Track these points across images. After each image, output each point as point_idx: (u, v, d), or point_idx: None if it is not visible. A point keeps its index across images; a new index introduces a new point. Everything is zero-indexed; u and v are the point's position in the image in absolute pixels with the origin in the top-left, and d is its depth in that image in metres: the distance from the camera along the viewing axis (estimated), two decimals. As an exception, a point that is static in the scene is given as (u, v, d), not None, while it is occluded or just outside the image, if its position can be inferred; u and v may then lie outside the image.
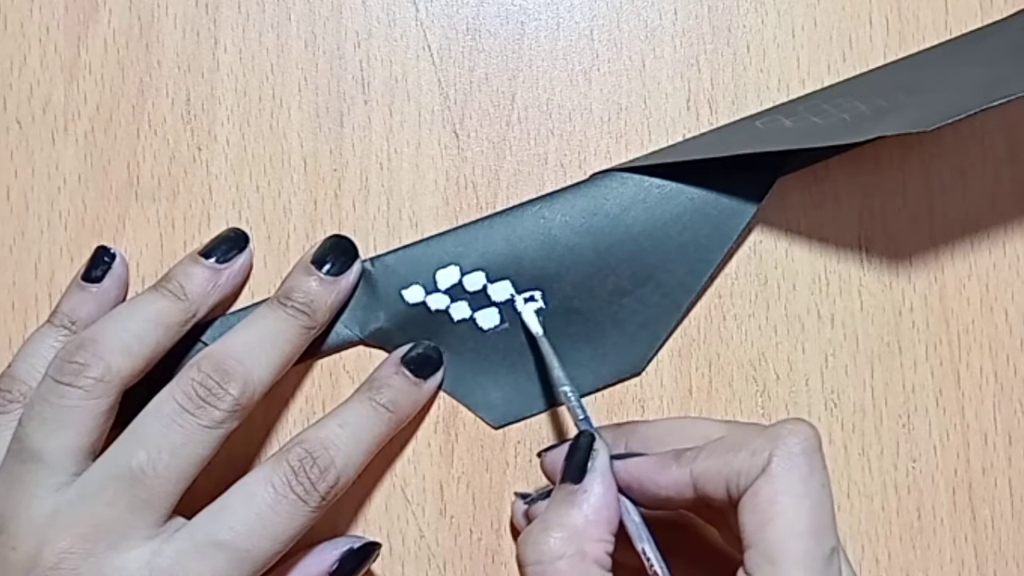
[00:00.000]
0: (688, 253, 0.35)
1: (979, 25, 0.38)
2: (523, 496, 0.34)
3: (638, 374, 0.36)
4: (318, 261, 0.34)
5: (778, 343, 0.36)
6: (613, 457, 0.30)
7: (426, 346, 0.35)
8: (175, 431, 0.30)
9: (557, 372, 0.32)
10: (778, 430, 0.27)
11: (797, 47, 0.38)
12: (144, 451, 0.29)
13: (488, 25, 0.38)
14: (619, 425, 0.32)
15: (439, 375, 0.35)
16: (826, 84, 0.37)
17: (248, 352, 0.31)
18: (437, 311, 0.35)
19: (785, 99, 0.37)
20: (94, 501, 0.29)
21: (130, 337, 0.31)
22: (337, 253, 0.34)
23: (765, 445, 0.27)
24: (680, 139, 0.37)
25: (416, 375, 0.34)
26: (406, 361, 0.34)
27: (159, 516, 0.29)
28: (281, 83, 0.37)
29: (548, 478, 0.33)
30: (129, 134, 0.36)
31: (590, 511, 0.28)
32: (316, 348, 0.35)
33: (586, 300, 0.35)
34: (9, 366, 0.33)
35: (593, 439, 0.30)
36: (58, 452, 0.30)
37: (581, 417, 0.31)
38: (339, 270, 0.34)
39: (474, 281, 0.35)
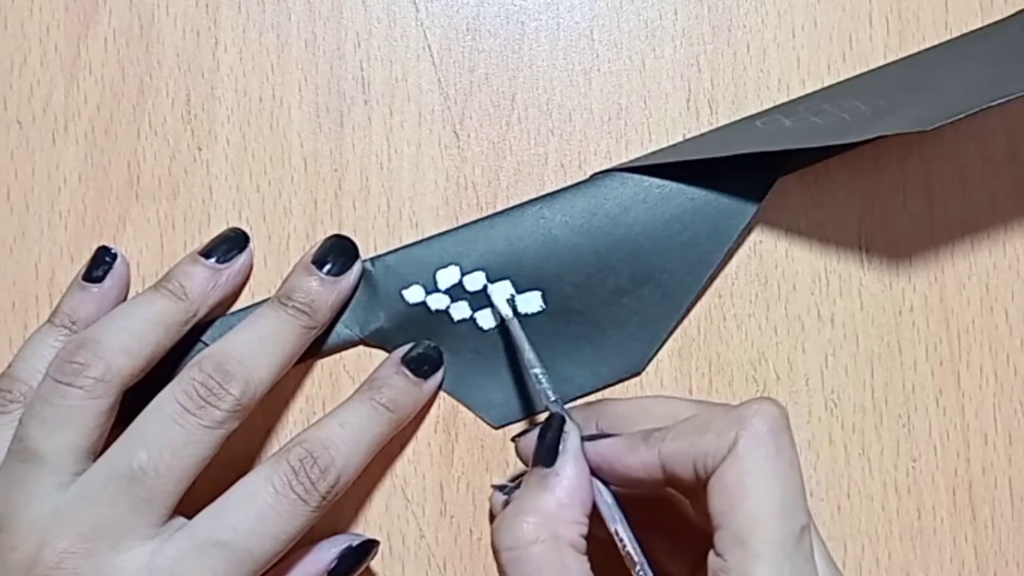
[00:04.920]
0: (688, 253, 0.35)
1: (979, 25, 0.38)
2: (501, 488, 0.34)
3: (638, 374, 0.36)
4: (319, 261, 0.34)
5: (778, 343, 0.36)
6: (584, 439, 0.30)
7: (426, 346, 0.35)
8: (176, 431, 0.30)
9: (528, 354, 0.32)
10: (743, 411, 0.27)
11: (797, 47, 0.38)
12: (145, 451, 0.29)
13: (488, 25, 0.38)
14: (589, 405, 0.32)
15: (439, 375, 0.35)
16: (826, 84, 0.37)
17: (249, 352, 0.31)
18: (437, 311, 0.35)
19: (785, 99, 0.37)
20: (95, 501, 0.29)
21: (130, 337, 0.31)
22: (338, 253, 0.34)
23: (731, 426, 0.27)
24: (680, 139, 0.37)
25: (416, 375, 0.34)
26: (406, 361, 0.34)
27: (160, 516, 0.29)
28: (281, 83, 0.37)
29: (523, 463, 0.33)
30: (129, 134, 0.36)
31: (563, 494, 0.28)
32: (316, 348, 0.35)
33: (586, 300, 0.35)
34: (9, 366, 0.33)
35: (564, 421, 0.30)
36: (59, 452, 0.30)
37: (552, 399, 0.31)
38: (340, 270, 0.34)
39: (474, 281, 0.35)
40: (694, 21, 0.38)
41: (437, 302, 0.35)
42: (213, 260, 0.34)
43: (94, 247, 0.35)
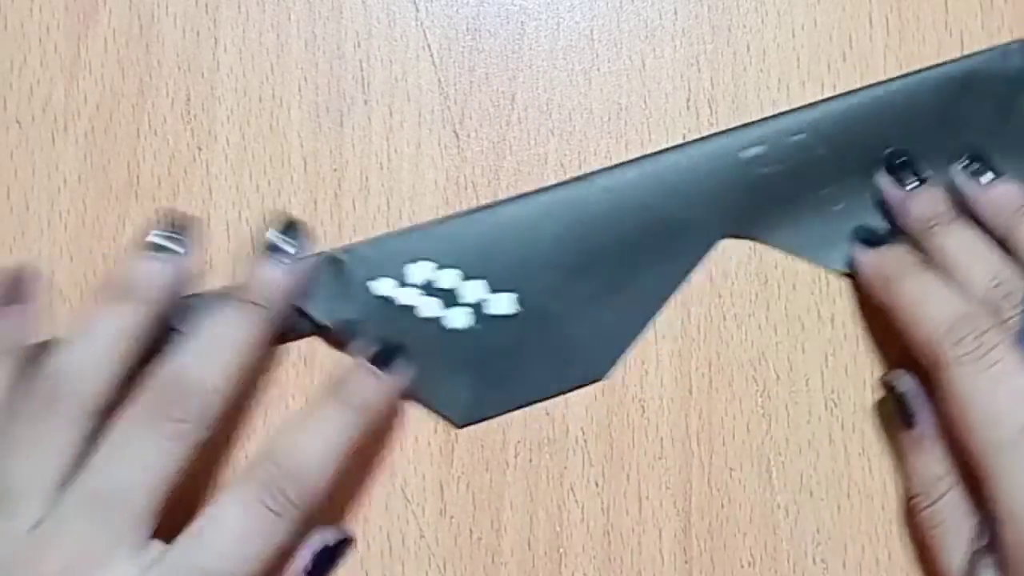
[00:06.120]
0: (663, 263, 0.36)
1: (979, 25, 0.38)
2: None
3: (599, 379, 0.36)
4: (268, 247, 0.33)
5: (778, 343, 0.36)
6: None
7: (386, 340, 0.33)
8: (141, 447, 0.29)
9: None
10: None
11: (797, 47, 0.38)
12: (113, 471, 0.28)
13: (488, 25, 0.38)
14: None
15: (405, 366, 0.33)
16: (826, 84, 0.37)
17: (201, 361, 0.30)
18: (403, 306, 0.35)
19: (785, 99, 0.37)
20: (67, 532, 0.28)
21: (95, 360, 0.30)
22: (286, 233, 0.33)
23: None
24: (680, 139, 0.37)
25: (381, 368, 0.33)
26: (369, 357, 0.33)
27: (137, 539, 0.28)
28: (281, 83, 0.37)
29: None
30: (129, 134, 0.36)
31: None
32: (285, 333, 0.34)
33: (560, 304, 0.35)
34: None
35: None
36: (29, 485, 0.28)
37: None
38: (290, 252, 0.33)
39: (448, 278, 0.35)
40: (694, 21, 0.38)
41: (405, 297, 0.35)
42: (159, 253, 0.32)
43: (94, 247, 0.35)
